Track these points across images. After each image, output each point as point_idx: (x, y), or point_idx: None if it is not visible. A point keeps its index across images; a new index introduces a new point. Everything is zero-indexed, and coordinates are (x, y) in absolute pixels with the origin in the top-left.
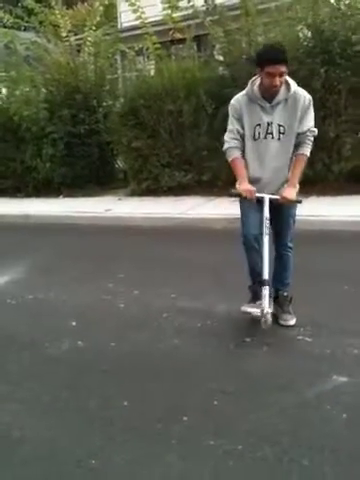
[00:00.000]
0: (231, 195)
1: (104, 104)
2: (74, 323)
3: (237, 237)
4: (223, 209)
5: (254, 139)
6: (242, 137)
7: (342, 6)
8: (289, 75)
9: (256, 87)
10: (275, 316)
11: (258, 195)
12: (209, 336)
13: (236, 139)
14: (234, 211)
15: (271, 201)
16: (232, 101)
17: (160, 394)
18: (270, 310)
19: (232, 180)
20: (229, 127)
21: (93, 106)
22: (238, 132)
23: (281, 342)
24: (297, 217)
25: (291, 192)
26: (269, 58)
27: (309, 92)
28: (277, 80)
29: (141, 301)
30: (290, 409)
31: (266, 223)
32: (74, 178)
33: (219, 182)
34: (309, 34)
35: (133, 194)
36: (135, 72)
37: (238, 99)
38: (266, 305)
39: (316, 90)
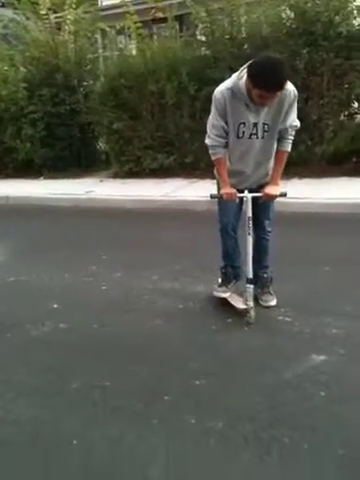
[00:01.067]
0: (212, 197)
1: (85, 84)
2: (56, 305)
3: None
4: (205, 191)
5: (237, 137)
6: (227, 133)
7: None
8: None
9: (243, 85)
10: (256, 297)
11: (240, 195)
12: (191, 317)
13: (221, 137)
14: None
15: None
16: (216, 93)
17: (142, 375)
18: (251, 305)
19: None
20: (214, 122)
21: (73, 86)
22: (223, 128)
23: (262, 322)
24: (279, 199)
25: (274, 189)
26: (263, 86)
27: (292, 74)
28: (268, 102)
29: (124, 283)
30: (270, 388)
31: (249, 223)
32: (55, 159)
33: (201, 164)
34: (292, 15)
35: (115, 176)
36: (116, 51)
37: (222, 92)
38: (251, 302)
39: (299, 71)
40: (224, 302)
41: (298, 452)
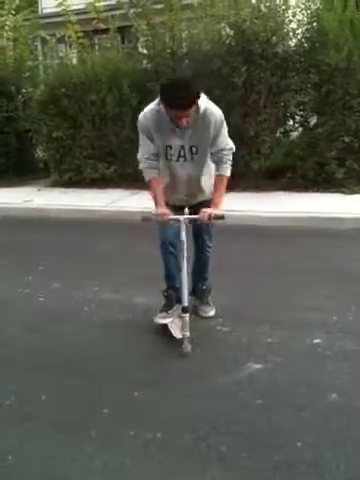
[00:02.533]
0: (143, 220)
1: (23, 91)
2: None
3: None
4: (145, 202)
5: (166, 158)
6: (156, 154)
7: (263, 7)
8: (211, 73)
9: (163, 108)
10: (195, 308)
11: (173, 217)
12: (129, 328)
13: (150, 159)
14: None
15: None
16: (140, 118)
17: (79, 387)
18: (188, 335)
19: None
20: (142, 145)
21: (11, 93)
22: (151, 150)
23: (200, 332)
24: None
25: (214, 210)
26: (171, 105)
27: (231, 89)
28: (184, 121)
29: (61, 294)
30: (208, 397)
31: (183, 246)
32: None
33: (143, 176)
34: (231, 33)
35: (54, 185)
36: (57, 60)
37: (146, 116)
38: (187, 332)
39: (237, 88)
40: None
41: (235, 459)
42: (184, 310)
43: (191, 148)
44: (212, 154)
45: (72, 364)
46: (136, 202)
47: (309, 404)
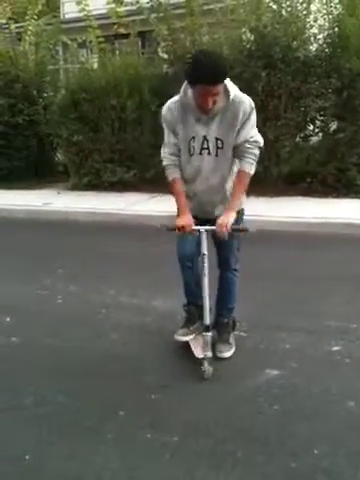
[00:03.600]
0: (167, 229)
1: (45, 95)
2: (8, 319)
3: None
4: (164, 206)
5: (189, 154)
6: (179, 150)
7: (284, 12)
8: (231, 78)
9: (190, 94)
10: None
11: (195, 228)
12: (147, 332)
13: (173, 154)
14: (175, 209)
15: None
16: (163, 110)
17: (97, 390)
18: (209, 355)
19: None
20: (165, 140)
21: (33, 96)
22: (175, 145)
23: None
24: None
25: (228, 217)
26: (198, 78)
27: (251, 95)
28: (209, 101)
29: (79, 297)
30: (225, 402)
31: (204, 260)
32: (11, 170)
33: (163, 180)
34: (252, 37)
35: (74, 188)
36: (77, 64)
37: (169, 108)
38: (209, 352)
39: (257, 93)
40: (181, 313)
41: (251, 465)
42: (206, 329)
43: (217, 141)
44: (235, 148)
45: (89, 366)
46: (154, 206)
47: (326, 411)
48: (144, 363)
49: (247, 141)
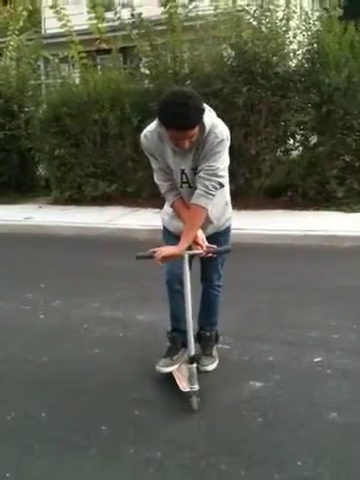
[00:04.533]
0: (139, 258)
1: (26, 110)
2: None
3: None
4: (146, 220)
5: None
6: (169, 173)
7: (264, 29)
8: (213, 94)
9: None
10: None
11: (173, 253)
12: (131, 346)
13: (164, 180)
14: (157, 222)
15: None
16: (141, 138)
17: (79, 404)
18: (196, 388)
19: (156, 192)
20: (153, 166)
21: (14, 111)
22: (161, 169)
23: None
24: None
25: (171, 248)
26: (169, 125)
27: (232, 110)
28: (184, 143)
29: (62, 311)
30: (209, 415)
31: (186, 287)
32: None
33: (143, 193)
34: (233, 53)
35: (56, 203)
36: (59, 79)
37: (147, 137)
38: (196, 385)
39: (238, 108)
40: (165, 327)
41: (235, 478)
42: (192, 360)
43: (194, 173)
44: (195, 174)
45: (72, 381)
46: (136, 220)
47: (309, 422)
48: (127, 377)
49: (203, 169)
